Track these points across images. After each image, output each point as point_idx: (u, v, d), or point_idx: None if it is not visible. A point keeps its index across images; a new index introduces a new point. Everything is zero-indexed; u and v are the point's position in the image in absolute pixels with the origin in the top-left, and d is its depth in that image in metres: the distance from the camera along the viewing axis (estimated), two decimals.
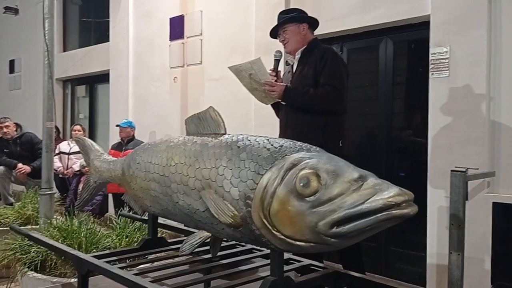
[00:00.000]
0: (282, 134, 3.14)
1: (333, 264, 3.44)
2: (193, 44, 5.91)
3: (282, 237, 1.63)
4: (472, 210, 3.25)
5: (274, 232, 1.65)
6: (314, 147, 1.77)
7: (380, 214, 1.43)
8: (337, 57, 3.13)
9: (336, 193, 1.52)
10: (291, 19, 3.21)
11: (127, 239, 3.42)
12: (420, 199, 3.72)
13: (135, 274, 1.94)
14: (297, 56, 3.22)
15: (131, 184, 2.32)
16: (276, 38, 3.36)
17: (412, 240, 4.07)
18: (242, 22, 5.35)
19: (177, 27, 6.11)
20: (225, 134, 1.99)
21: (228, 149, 1.86)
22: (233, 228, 1.79)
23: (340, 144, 3.08)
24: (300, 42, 3.20)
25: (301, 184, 1.57)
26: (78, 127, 6.78)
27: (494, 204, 3.31)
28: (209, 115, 2.07)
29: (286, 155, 1.71)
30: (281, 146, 1.76)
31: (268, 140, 1.82)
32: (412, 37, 4.22)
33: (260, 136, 1.88)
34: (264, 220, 1.66)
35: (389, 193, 1.44)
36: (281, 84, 3.07)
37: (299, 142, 1.80)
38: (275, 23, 5.03)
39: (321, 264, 2.14)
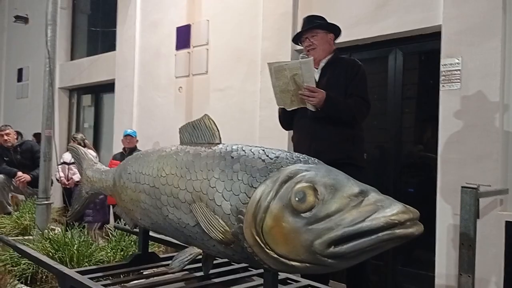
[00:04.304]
0: (306, 145, 2.96)
1: (340, 284, 3.28)
2: (199, 54, 5.83)
3: (276, 256, 1.51)
4: (484, 229, 3.08)
5: (267, 250, 1.52)
6: (312, 158, 1.64)
7: (382, 234, 1.30)
8: (364, 71, 3.12)
9: (334, 209, 1.39)
10: (322, 25, 3.13)
11: (122, 253, 3.30)
12: (430, 216, 3.56)
13: None
14: (321, 65, 3.11)
15: (122, 196, 2.21)
16: (298, 43, 3.25)
17: (421, 259, 3.89)
18: (249, 32, 5.26)
19: (183, 37, 6.04)
20: (219, 143, 1.87)
21: (221, 159, 1.75)
22: (224, 245, 1.67)
23: (364, 157, 3.15)
24: (326, 51, 3.12)
25: (297, 199, 1.45)
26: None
27: (507, 223, 3.14)
28: (203, 124, 1.96)
29: (281, 166, 1.59)
30: (277, 157, 1.64)
31: (263, 150, 1.70)
32: (422, 48, 4.09)
33: (256, 146, 1.76)
34: (257, 237, 1.54)
35: (392, 210, 1.31)
36: (322, 90, 2.86)
37: (296, 153, 1.68)
38: (282, 32, 5.00)
39: (320, 286, 2.00)
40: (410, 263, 4.00)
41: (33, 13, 9.44)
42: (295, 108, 2.95)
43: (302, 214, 1.43)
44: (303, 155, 1.65)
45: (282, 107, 2.99)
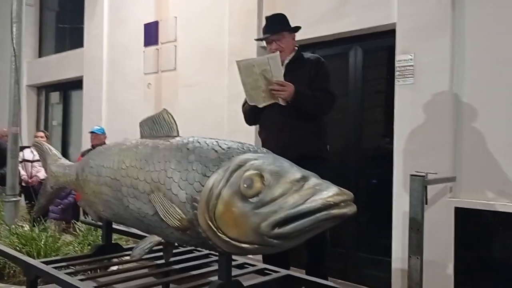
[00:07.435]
0: (275, 139, 3.02)
1: (299, 270, 3.41)
2: (167, 50, 5.89)
3: (227, 239, 1.61)
4: (435, 215, 3.27)
5: (219, 234, 1.62)
6: (262, 148, 1.76)
7: (319, 214, 1.42)
8: (327, 67, 3.22)
9: (278, 193, 1.50)
10: (289, 29, 3.21)
11: (89, 247, 3.36)
12: (390, 205, 3.74)
13: (82, 280, 1.89)
14: (285, 62, 3.17)
15: (85, 189, 2.28)
16: (261, 40, 3.31)
17: (380, 246, 4.07)
18: (216, 28, 5.35)
19: (151, 33, 6.09)
20: (177, 136, 1.97)
21: (177, 151, 1.84)
22: (181, 231, 1.76)
23: (328, 149, 3.24)
24: (291, 50, 3.21)
25: (245, 185, 1.55)
26: (41, 133, 6.62)
27: (456, 209, 3.33)
28: (162, 118, 2.05)
29: (232, 156, 1.69)
30: (229, 147, 1.74)
31: (217, 142, 1.80)
32: (380, 45, 4.26)
33: (211, 138, 1.86)
34: (210, 223, 1.64)
35: (328, 193, 1.43)
36: (291, 84, 2.94)
37: (247, 144, 1.79)
38: (249, 28, 5.11)
39: (276, 269, 2.12)
40: (370, 249, 4.18)
41: None
42: (267, 104, 2.99)
43: (250, 199, 1.54)
44: (253, 146, 1.77)
45: (254, 104, 3.02)
